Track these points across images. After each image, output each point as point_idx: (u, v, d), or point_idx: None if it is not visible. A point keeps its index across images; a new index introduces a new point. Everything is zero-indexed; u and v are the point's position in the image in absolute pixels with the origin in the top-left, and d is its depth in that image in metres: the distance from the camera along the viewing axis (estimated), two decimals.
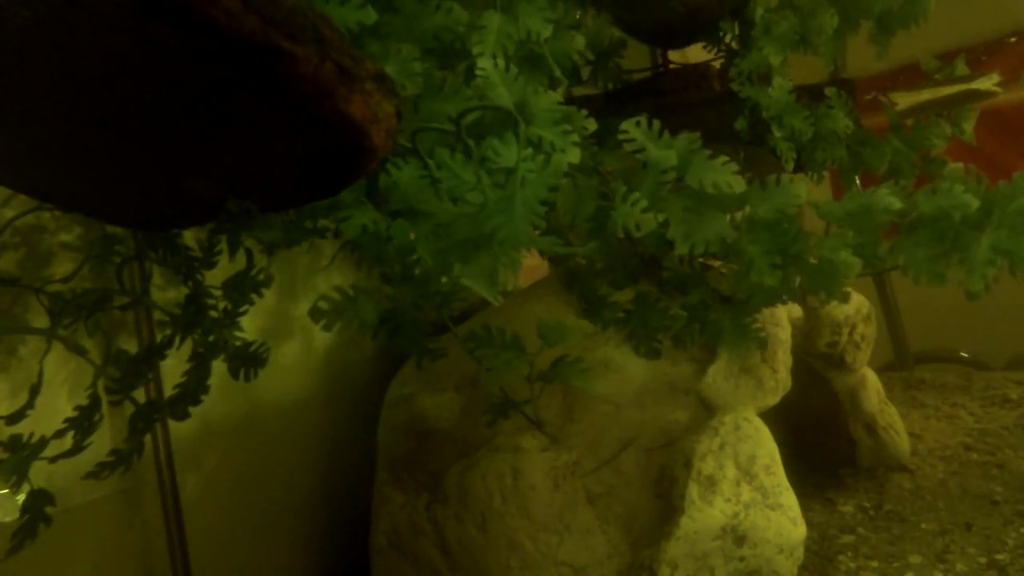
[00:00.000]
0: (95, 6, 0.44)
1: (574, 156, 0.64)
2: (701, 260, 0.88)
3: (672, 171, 0.71)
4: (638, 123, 0.72)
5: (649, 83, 1.35)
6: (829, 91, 1.22)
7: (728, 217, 0.73)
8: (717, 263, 0.86)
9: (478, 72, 0.65)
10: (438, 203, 0.59)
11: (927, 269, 0.76)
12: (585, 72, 1.28)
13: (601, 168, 0.77)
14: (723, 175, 0.71)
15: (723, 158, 0.72)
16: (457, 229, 0.56)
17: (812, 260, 0.76)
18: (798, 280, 0.78)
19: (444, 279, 0.79)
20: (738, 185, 0.71)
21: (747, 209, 0.74)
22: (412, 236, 0.62)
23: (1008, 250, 0.73)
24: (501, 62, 0.67)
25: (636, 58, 1.39)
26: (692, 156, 0.71)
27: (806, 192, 0.74)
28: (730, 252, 0.74)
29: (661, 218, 0.69)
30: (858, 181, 1.38)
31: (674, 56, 1.43)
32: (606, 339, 1.08)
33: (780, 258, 0.74)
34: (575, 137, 0.65)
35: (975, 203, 0.74)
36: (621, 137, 0.71)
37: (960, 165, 0.82)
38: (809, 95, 1.26)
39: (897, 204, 0.75)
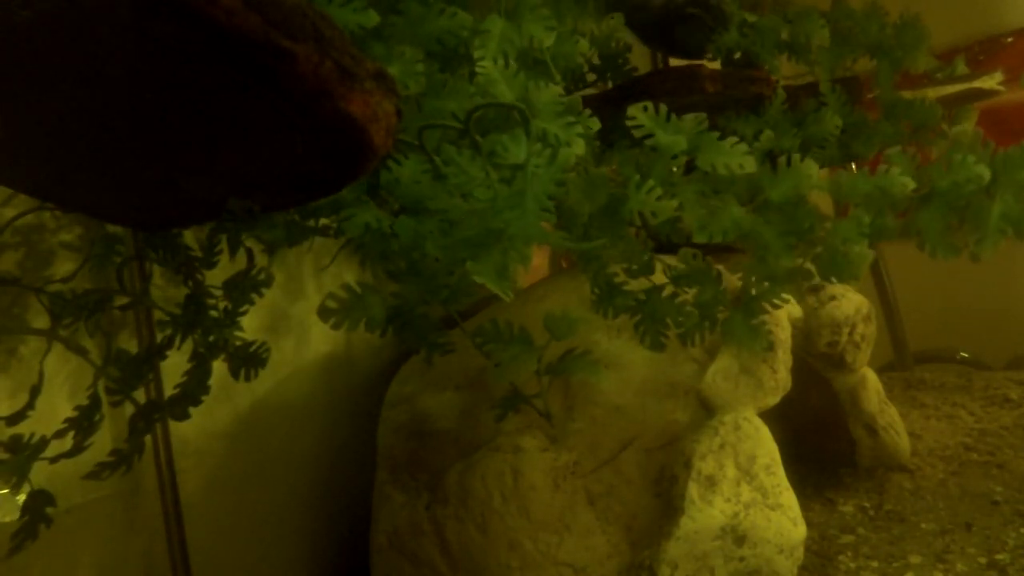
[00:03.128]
0: (95, 6, 0.44)
1: (579, 148, 0.64)
2: (711, 257, 0.88)
3: (683, 156, 0.71)
4: (645, 108, 0.72)
5: (641, 84, 1.34)
6: (824, 87, 1.21)
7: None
8: (722, 265, 0.86)
9: (478, 70, 0.65)
10: (448, 199, 0.59)
11: (941, 242, 0.76)
12: (590, 76, 1.28)
13: (605, 166, 0.77)
14: (735, 157, 0.71)
15: (732, 139, 0.71)
16: (467, 225, 0.56)
17: (828, 246, 0.75)
18: (811, 263, 0.78)
19: (455, 273, 0.78)
20: (750, 166, 0.70)
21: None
22: (417, 232, 0.62)
23: (1016, 218, 0.74)
24: (501, 61, 0.67)
25: (637, 61, 1.39)
26: (702, 139, 0.71)
27: (817, 174, 0.74)
28: (746, 238, 0.74)
29: (676, 204, 0.68)
30: (853, 166, 1.38)
31: (678, 57, 1.43)
32: (608, 337, 1.08)
33: (795, 239, 0.74)
34: (579, 129, 0.65)
35: (987, 174, 0.74)
36: (629, 124, 0.71)
37: (967, 127, 0.81)
38: (807, 93, 1.25)
39: (911, 184, 0.74)
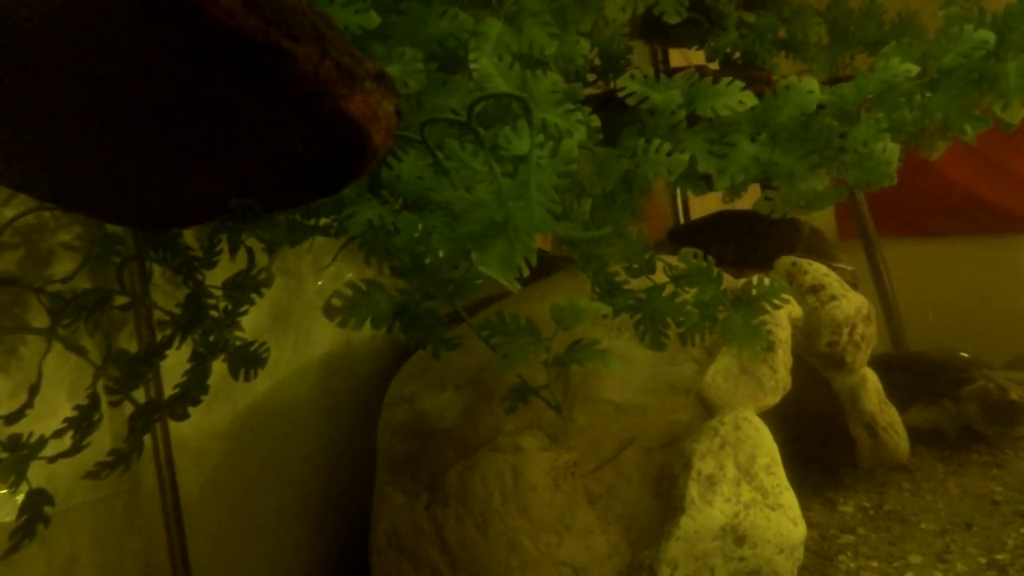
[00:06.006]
0: (96, 6, 0.44)
1: (581, 135, 0.63)
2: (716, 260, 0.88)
3: (681, 110, 0.70)
4: (632, 76, 0.71)
5: None
6: None
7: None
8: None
9: (472, 67, 0.65)
10: (452, 191, 0.58)
11: (962, 120, 0.73)
12: (590, 77, 1.28)
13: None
14: (733, 96, 0.69)
15: (726, 79, 0.70)
16: (472, 218, 0.55)
17: (851, 152, 0.73)
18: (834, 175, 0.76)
19: (462, 265, 0.78)
20: (750, 100, 0.69)
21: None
22: (420, 227, 0.62)
23: None
24: (497, 59, 0.67)
25: (638, 61, 1.39)
26: (696, 89, 0.70)
27: (817, 89, 0.72)
28: (767, 172, 0.72)
29: (687, 157, 0.67)
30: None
31: (678, 60, 1.43)
32: (609, 337, 1.08)
33: (818, 158, 0.71)
34: (579, 116, 0.64)
35: (992, 37, 0.70)
36: (620, 95, 0.71)
37: (956, 8, 0.77)
38: None
39: (915, 69, 0.71)
